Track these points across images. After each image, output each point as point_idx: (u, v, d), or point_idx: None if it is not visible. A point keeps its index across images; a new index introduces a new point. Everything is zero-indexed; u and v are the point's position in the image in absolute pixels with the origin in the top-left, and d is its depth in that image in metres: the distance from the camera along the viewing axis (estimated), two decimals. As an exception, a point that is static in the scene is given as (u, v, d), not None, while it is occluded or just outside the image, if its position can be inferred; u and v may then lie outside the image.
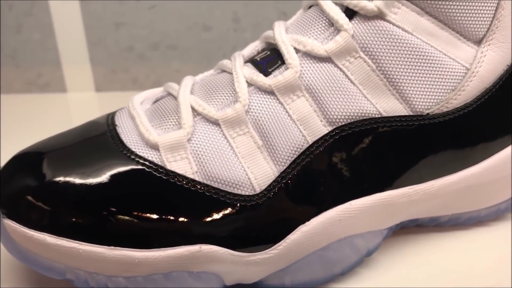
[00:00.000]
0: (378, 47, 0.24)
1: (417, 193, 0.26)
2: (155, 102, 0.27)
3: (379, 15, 0.24)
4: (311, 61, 0.25)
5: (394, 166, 0.25)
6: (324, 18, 0.25)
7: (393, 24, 0.24)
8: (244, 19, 0.49)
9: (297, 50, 0.25)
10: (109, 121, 0.26)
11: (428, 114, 0.25)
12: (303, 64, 0.25)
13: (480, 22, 0.25)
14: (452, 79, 0.25)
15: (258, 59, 0.26)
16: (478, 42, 0.26)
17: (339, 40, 0.24)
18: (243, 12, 0.48)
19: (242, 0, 0.48)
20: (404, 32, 0.24)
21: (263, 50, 0.27)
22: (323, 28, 0.25)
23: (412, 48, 0.25)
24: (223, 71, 0.27)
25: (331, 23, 0.25)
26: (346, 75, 0.24)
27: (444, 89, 0.25)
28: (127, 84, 0.52)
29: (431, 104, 0.25)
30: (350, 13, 0.25)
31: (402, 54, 0.24)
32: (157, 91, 0.28)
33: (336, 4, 0.25)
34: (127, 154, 0.23)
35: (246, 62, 0.27)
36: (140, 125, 0.24)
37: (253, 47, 0.28)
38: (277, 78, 0.24)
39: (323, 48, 0.24)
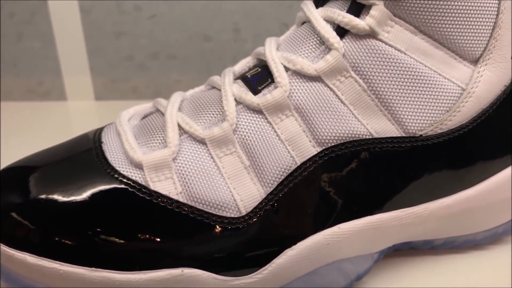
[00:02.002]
0: (369, 67, 0.24)
1: (409, 217, 0.25)
2: (143, 118, 0.27)
3: (371, 34, 0.24)
4: (301, 80, 0.24)
5: (385, 188, 0.25)
6: (316, 36, 0.25)
7: (386, 43, 0.24)
8: (245, 30, 0.48)
9: (287, 69, 0.24)
10: (95, 138, 0.25)
11: (421, 135, 0.25)
12: (292, 83, 0.24)
13: (476, 41, 0.25)
14: (447, 99, 0.25)
15: (249, 76, 0.26)
16: (475, 61, 0.25)
17: (329, 59, 0.24)
18: (244, 23, 0.48)
19: (243, 11, 0.48)
20: (397, 51, 0.24)
21: (254, 67, 0.27)
22: (314, 46, 0.25)
23: (405, 67, 0.24)
24: (213, 87, 0.27)
25: (322, 41, 0.24)
26: (337, 95, 0.24)
27: (439, 110, 0.25)
28: (127, 94, 0.52)
29: (424, 125, 0.25)
30: (342, 32, 0.24)
31: (394, 73, 0.24)
32: (146, 107, 0.27)
33: (328, 21, 0.24)
34: (110, 173, 0.23)
35: (237, 78, 0.26)
36: (125, 143, 0.24)
37: (245, 63, 0.27)
38: (266, 97, 0.24)
39: (313, 67, 0.24)
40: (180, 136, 0.24)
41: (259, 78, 0.25)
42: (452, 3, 0.23)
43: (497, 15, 0.25)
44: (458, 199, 0.26)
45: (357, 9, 0.24)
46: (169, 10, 0.48)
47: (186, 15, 0.48)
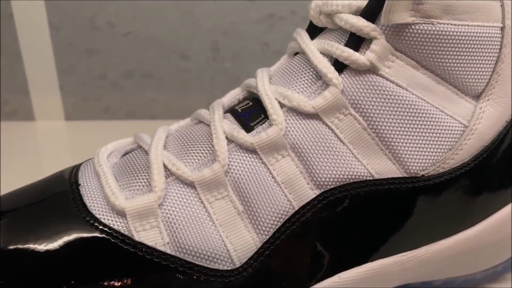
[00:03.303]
0: (370, 104, 0.22)
1: (410, 260, 0.24)
2: (124, 155, 0.24)
3: (372, 69, 0.22)
4: (297, 117, 0.22)
5: (386, 232, 0.23)
6: (311, 69, 0.23)
7: (387, 79, 0.22)
8: (224, 48, 0.46)
9: (282, 105, 0.23)
10: (71, 178, 0.23)
11: (423, 175, 0.23)
12: (288, 121, 0.22)
13: (479, 76, 0.24)
14: (449, 137, 0.23)
15: (239, 110, 0.24)
16: (477, 97, 0.24)
17: (327, 96, 0.22)
18: (223, 42, 0.46)
19: (222, 29, 0.46)
20: (398, 88, 0.22)
21: (244, 99, 0.25)
22: (310, 81, 0.23)
23: (407, 104, 0.23)
24: (200, 121, 0.25)
25: (319, 75, 0.23)
26: (335, 134, 0.22)
27: (441, 149, 0.23)
28: (99, 113, 0.49)
29: (426, 164, 0.23)
30: (339, 66, 0.22)
31: (395, 111, 0.22)
32: (127, 142, 0.25)
33: (324, 55, 0.23)
34: (90, 221, 0.21)
35: (226, 112, 0.24)
36: (105, 186, 0.22)
37: (234, 95, 0.26)
38: (260, 135, 0.22)
39: (310, 104, 0.22)
40: (166, 178, 0.22)
41: (251, 113, 0.24)
42: (455, 36, 0.22)
43: (500, 49, 0.24)
44: (458, 240, 0.25)
45: (357, 43, 0.22)
46: (144, 27, 0.46)
47: (162, 33, 0.46)
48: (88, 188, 0.22)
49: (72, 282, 0.20)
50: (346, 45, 0.22)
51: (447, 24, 0.22)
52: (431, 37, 0.22)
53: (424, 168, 0.23)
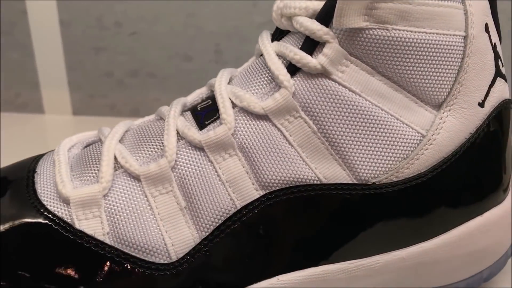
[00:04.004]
0: (320, 108, 0.22)
1: (359, 269, 0.23)
2: (85, 147, 0.25)
3: (324, 73, 0.22)
4: (247, 117, 0.22)
5: (332, 238, 0.23)
6: (267, 71, 0.23)
7: (339, 84, 0.22)
8: (227, 51, 0.47)
9: (234, 105, 0.23)
10: (30, 166, 0.24)
11: (374, 183, 0.23)
12: (238, 120, 0.22)
13: (439, 86, 0.23)
14: (404, 146, 0.23)
15: (199, 108, 0.24)
16: (438, 106, 0.23)
17: (278, 98, 0.22)
18: (226, 45, 0.47)
19: (225, 32, 0.46)
20: (351, 93, 0.22)
21: (207, 98, 0.25)
22: (265, 82, 0.23)
23: (359, 110, 0.22)
24: (161, 118, 0.25)
25: (273, 77, 0.23)
26: (284, 136, 0.22)
27: (394, 157, 0.23)
28: (105, 110, 0.51)
29: (378, 172, 0.23)
30: (293, 69, 0.22)
31: (347, 116, 0.22)
32: (91, 135, 0.26)
33: (280, 57, 0.23)
34: (37, 207, 0.22)
35: (187, 110, 0.25)
36: (57, 175, 0.22)
37: (198, 94, 0.26)
38: (208, 134, 0.22)
39: (260, 105, 0.22)
40: (115, 170, 0.22)
41: (208, 111, 0.24)
42: (411, 43, 0.22)
43: (462, 58, 0.23)
44: (414, 252, 0.24)
45: (311, 46, 0.22)
46: (150, 28, 0.47)
47: (167, 34, 0.47)
48: (42, 176, 0.23)
49: (10, 263, 0.20)
50: (301, 48, 0.22)
51: (403, 30, 0.22)
52: (386, 43, 0.22)
53: (376, 175, 0.23)
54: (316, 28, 0.22)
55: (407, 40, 0.22)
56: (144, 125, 0.25)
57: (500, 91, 0.25)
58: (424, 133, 0.23)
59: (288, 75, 0.22)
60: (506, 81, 0.26)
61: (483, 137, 0.24)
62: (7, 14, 0.47)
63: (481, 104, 0.24)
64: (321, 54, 0.22)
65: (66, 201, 0.22)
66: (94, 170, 0.23)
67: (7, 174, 0.24)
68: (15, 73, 0.50)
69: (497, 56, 0.25)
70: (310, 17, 0.22)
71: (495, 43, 0.24)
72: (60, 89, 0.50)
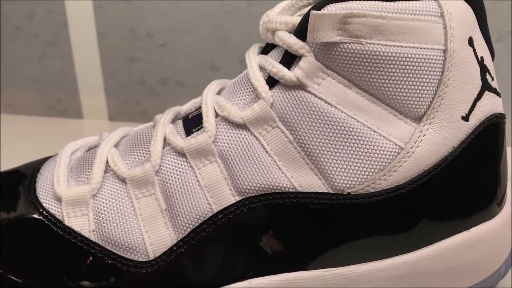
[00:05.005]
0: (297, 119, 0.23)
1: (334, 277, 0.24)
2: (87, 150, 0.27)
3: (301, 86, 0.23)
4: (228, 126, 0.24)
5: (307, 245, 0.23)
6: (250, 83, 0.24)
7: (315, 96, 0.23)
8: (251, 62, 0.48)
9: (217, 114, 0.24)
10: (36, 166, 0.26)
11: (349, 193, 0.23)
12: (220, 129, 0.24)
13: (418, 99, 0.23)
14: (381, 158, 0.23)
15: (190, 117, 0.26)
16: (418, 119, 0.24)
17: (256, 108, 0.23)
18: (250, 55, 0.48)
19: (251, 43, 0.48)
20: (326, 105, 0.23)
21: (199, 108, 0.27)
22: (247, 93, 0.24)
23: (335, 122, 0.23)
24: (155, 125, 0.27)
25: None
26: (262, 144, 0.23)
27: (371, 168, 0.23)
28: (138, 116, 0.53)
29: (354, 183, 0.23)
30: (272, 81, 0.23)
31: (322, 127, 0.23)
32: (94, 139, 0.28)
33: (262, 69, 0.24)
34: (33, 203, 0.24)
35: (181, 118, 0.26)
36: (54, 175, 0.25)
37: (193, 103, 0.27)
38: (190, 141, 0.24)
39: (239, 115, 0.23)
40: (106, 173, 0.24)
41: (196, 120, 0.25)
42: (387, 57, 0.22)
43: (442, 72, 0.23)
44: (394, 263, 0.24)
45: (290, 59, 0.23)
46: (179, 38, 0.49)
47: (195, 44, 0.49)
48: (44, 176, 0.25)
49: (5, 254, 0.23)
50: (281, 61, 0.23)
51: (377, 44, 0.22)
52: (361, 56, 0.22)
53: (351, 186, 0.23)
54: (292, 42, 0.23)
55: (382, 54, 0.22)
56: (140, 131, 0.27)
57: (489, 105, 0.25)
58: (403, 146, 0.23)
59: (267, 87, 0.23)
60: (498, 95, 0.25)
61: (468, 151, 0.24)
62: (50, 26, 0.51)
63: (465, 118, 0.24)
64: (297, 67, 0.23)
65: (59, 200, 0.24)
66: (88, 172, 0.25)
67: (23, 170, 0.27)
68: (57, 80, 0.53)
69: (484, 70, 0.24)
70: (290, 32, 0.23)
71: (481, 57, 0.24)
72: (97, 96, 0.53)
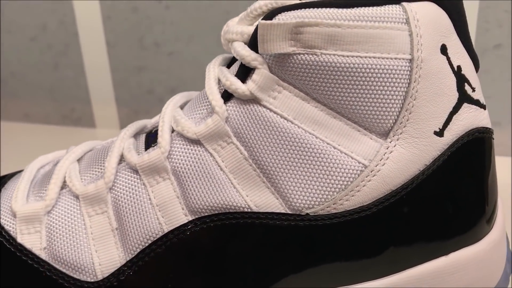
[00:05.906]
0: (252, 134, 0.22)
1: (293, 303, 0.22)
2: (55, 164, 0.27)
3: (255, 100, 0.22)
4: (182, 142, 0.23)
5: (262, 267, 0.22)
6: (207, 96, 0.23)
7: (270, 110, 0.21)
8: (257, 70, 0.47)
9: (173, 129, 0.23)
10: (2, 181, 0.26)
11: (308, 214, 0.22)
12: (174, 145, 0.23)
13: (383, 113, 0.21)
14: (342, 176, 0.22)
15: (153, 131, 0.25)
16: (384, 135, 0.22)
17: (209, 123, 0.22)
18: (256, 63, 0.47)
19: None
20: (282, 120, 0.21)
21: (165, 121, 0.26)
22: (204, 107, 0.23)
23: (291, 137, 0.21)
24: (121, 139, 0.26)
25: (210, 102, 0.23)
26: (216, 161, 0.22)
27: (331, 188, 0.22)
28: (148, 125, 0.53)
29: (313, 203, 0.22)
30: (228, 95, 0.22)
31: (278, 143, 0.21)
32: (62, 153, 0.28)
33: (218, 83, 0.23)
34: (-8, 220, 0.23)
35: (146, 132, 0.26)
36: (15, 190, 0.24)
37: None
38: (143, 157, 0.23)
39: (193, 130, 0.22)
40: (63, 189, 0.24)
41: (156, 135, 0.24)
42: (344, 68, 0.21)
43: (409, 83, 0.21)
44: (360, 290, 0.23)
45: (245, 72, 0.22)
46: (185, 47, 0.49)
47: (201, 53, 0.48)
48: (7, 191, 0.25)
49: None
50: (237, 74, 0.22)
51: (333, 55, 0.20)
52: (316, 68, 0.21)
53: (310, 206, 0.22)
54: (245, 54, 0.21)
55: (339, 65, 0.21)
56: (105, 145, 0.26)
57: (469, 119, 0.23)
58: (367, 163, 0.22)
59: (221, 101, 0.22)
60: (481, 107, 0.23)
61: (443, 169, 0.22)
62: (62, 36, 0.52)
63: (439, 133, 0.22)
64: (251, 80, 0.21)
65: (14, 215, 0.23)
66: (46, 188, 0.24)
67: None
68: (70, 90, 0.54)
69: (462, 80, 0.22)
70: (246, 42, 0.22)
71: (458, 66, 0.22)
72: (109, 105, 0.54)
